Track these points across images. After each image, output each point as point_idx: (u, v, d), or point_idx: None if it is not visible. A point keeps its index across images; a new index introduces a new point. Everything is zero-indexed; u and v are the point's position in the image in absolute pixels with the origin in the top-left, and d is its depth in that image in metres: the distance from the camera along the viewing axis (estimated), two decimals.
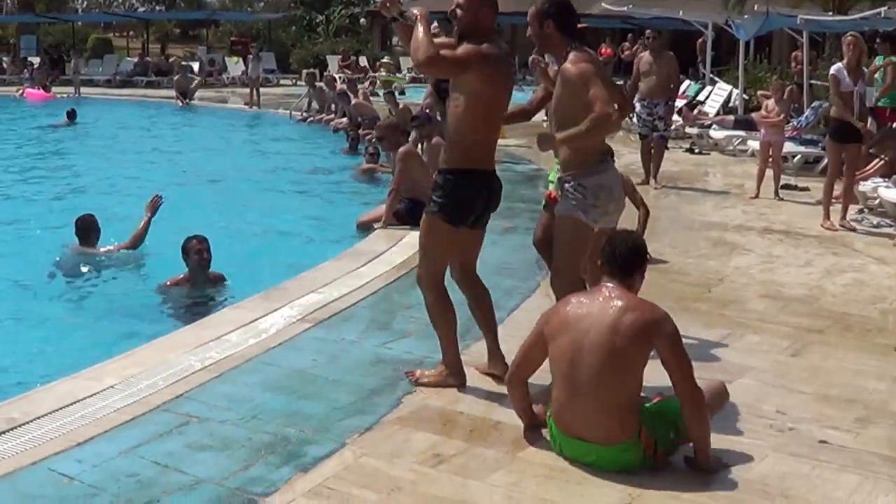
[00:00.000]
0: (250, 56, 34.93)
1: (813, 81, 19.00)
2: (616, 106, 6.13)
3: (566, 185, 6.29)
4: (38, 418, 5.78)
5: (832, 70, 11.93)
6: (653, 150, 14.84)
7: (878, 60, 14.59)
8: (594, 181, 6.23)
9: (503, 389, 6.20)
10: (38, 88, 34.35)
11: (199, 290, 9.21)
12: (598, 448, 5.20)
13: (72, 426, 5.71)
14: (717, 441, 5.65)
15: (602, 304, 5.29)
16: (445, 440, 5.62)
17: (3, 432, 5.60)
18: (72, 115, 25.42)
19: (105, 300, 9.29)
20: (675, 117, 21.18)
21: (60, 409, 5.93)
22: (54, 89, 35.07)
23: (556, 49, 6.31)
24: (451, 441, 5.61)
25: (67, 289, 9.69)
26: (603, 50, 33.11)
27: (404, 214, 11.00)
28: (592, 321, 5.22)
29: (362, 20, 51.03)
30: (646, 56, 14.98)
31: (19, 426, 5.68)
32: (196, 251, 9.16)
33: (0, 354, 7.75)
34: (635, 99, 14.55)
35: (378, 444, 5.59)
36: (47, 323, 8.58)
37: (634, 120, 15.67)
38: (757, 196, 13.61)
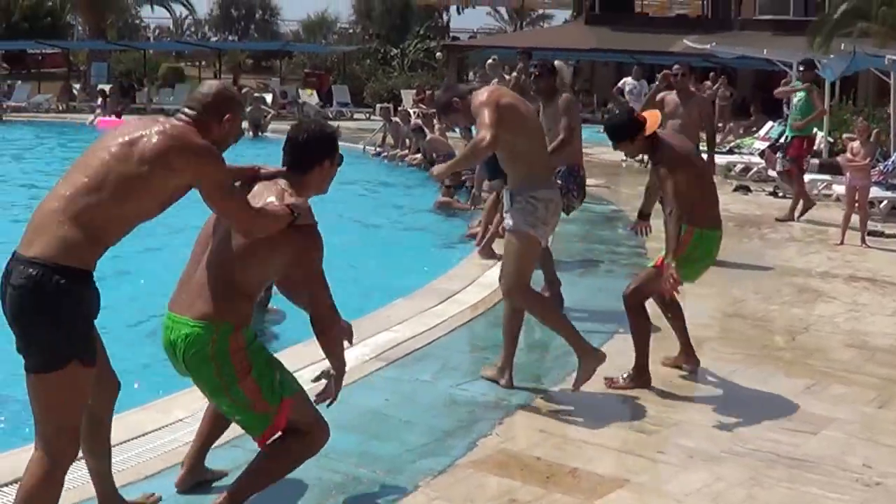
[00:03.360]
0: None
1: None
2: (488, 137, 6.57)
3: (518, 197, 6.80)
4: None
5: None
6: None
7: None
8: (545, 194, 6.82)
9: (582, 436, 6.12)
10: (111, 117, 34.66)
11: (258, 322, 9.15)
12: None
13: (140, 458, 5.66)
14: (803, 496, 5.51)
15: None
16: (521, 486, 5.48)
17: None
18: None
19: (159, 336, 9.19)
20: (755, 158, 20.94)
21: (128, 440, 5.86)
22: (126, 118, 35.35)
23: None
24: (527, 487, 5.47)
25: (135, 320, 9.63)
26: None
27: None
28: None
29: (438, 54, 51.31)
30: (671, 96, 12.08)
31: (83, 458, 5.55)
32: None
33: None
34: None
35: (451, 487, 5.48)
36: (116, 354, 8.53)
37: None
38: (842, 242, 13.24)
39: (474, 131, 6.95)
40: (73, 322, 4.17)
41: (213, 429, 5.34)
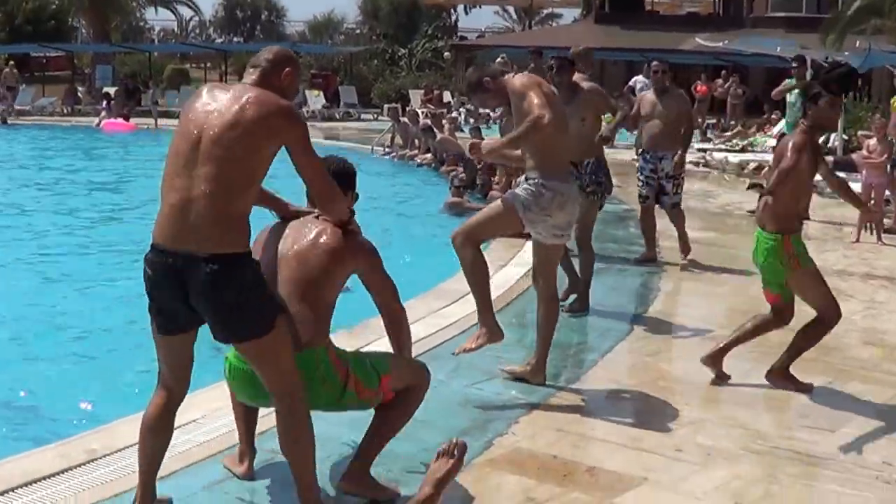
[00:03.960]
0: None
1: None
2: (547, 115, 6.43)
3: (529, 181, 6.74)
4: (120, 451, 5.67)
5: None
6: (673, 221, 11.72)
7: None
8: (557, 185, 6.70)
9: (599, 434, 6.09)
10: (117, 119, 34.54)
11: None
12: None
13: None
14: (822, 494, 5.46)
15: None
16: (538, 484, 5.44)
17: (84, 464, 5.50)
18: None
19: None
20: (768, 156, 20.83)
21: None
22: (133, 120, 35.06)
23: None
24: (544, 485, 5.43)
25: (139, 323, 9.60)
26: (698, 87, 32.69)
27: None
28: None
29: (446, 54, 51.25)
30: (648, 95, 11.67)
31: (100, 458, 5.58)
32: None
33: (80, 386, 7.69)
34: (637, 152, 12.56)
35: (468, 486, 5.44)
36: (129, 355, 8.52)
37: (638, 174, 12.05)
38: (858, 240, 13.14)
39: (486, 132, 6.89)
40: (264, 290, 4.66)
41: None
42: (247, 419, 5.50)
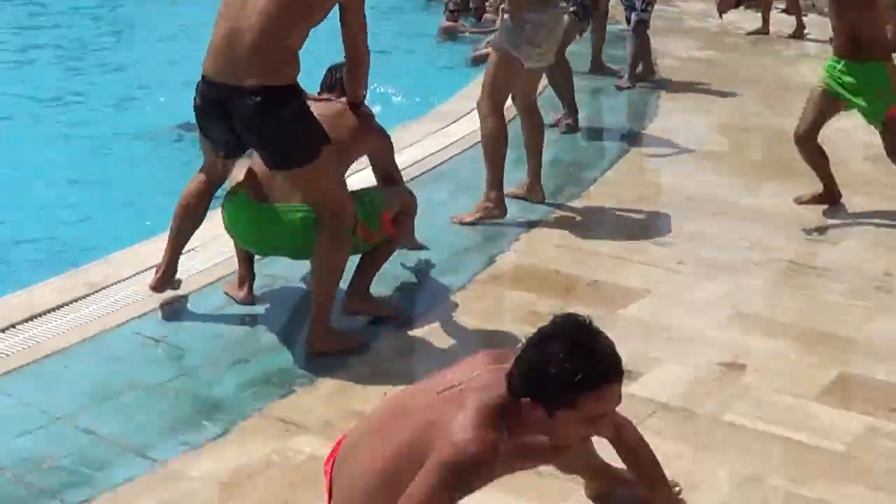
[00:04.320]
0: None
1: None
2: None
3: (508, 19, 6.57)
4: (120, 282, 5.65)
5: None
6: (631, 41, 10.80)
7: None
8: (532, 17, 6.47)
9: (600, 249, 6.09)
10: None
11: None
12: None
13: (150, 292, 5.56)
14: (824, 303, 5.47)
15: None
16: (540, 299, 5.44)
17: (86, 296, 5.48)
18: None
19: (180, 163, 9.09)
20: None
21: (142, 272, 5.73)
22: None
23: None
24: (547, 300, 5.42)
25: (144, 151, 9.52)
26: None
27: None
28: None
29: None
30: None
31: (101, 289, 5.55)
32: None
33: (77, 218, 7.66)
34: None
35: (472, 302, 5.48)
36: (123, 186, 8.46)
37: None
38: None
39: None
40: (309, 121, 4.75)
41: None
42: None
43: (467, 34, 14.79)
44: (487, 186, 6.70)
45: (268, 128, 4.64)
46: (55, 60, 13.36)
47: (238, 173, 5.25)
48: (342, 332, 5.06)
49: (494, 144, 6.71)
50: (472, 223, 6.56)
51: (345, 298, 5.21)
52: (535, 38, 6.54)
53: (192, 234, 5.26)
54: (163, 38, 14.36)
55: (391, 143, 5.51)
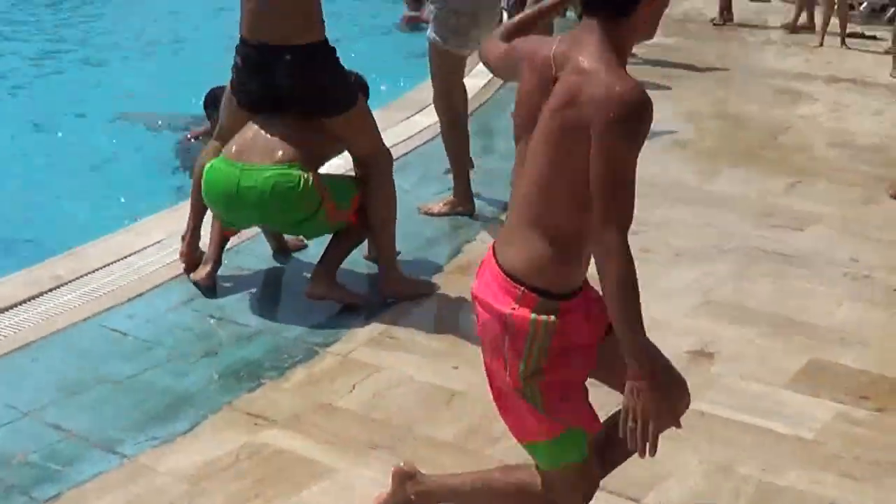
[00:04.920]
0: None
1: None
2: None
3: (434, 9, 6.51)
4: (87, 274, 5.63)
5: None
6: None
7: None
8: (457, 4, 6.34)
9: None
10: None
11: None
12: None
13: (121, 282, 5.56)
14: (791, 290, 5.49)
15: None
16: None
17: (52, 289, 5.46)
18: None
19: (137, 156, 9.01)
20: None
21: (108, 265, 5.76)
22: None
23: None
24: None
25: (102, 147, 9.43)
26: None
27: None
28: None
29: None
30: None
31: (67, 283, 5.53)
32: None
33: (41, 213, 7.62)
34: None
35: (440, 291, 5.49)
36: (85, 179, 8.41)
37: None
38: (821, 45, 12.87)
39: None
40: (341, 72, 5.38)
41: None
42: (221, 229, 5.54)
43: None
44: (454, 180, 6.67)
45: (309, 79, 5.17)
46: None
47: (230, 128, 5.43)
48: (412, 278, 5.49)
49: (451, 136, 6.68)
50: (437, 214, 6.55)
51: (309, 283, 5.24)
52: (461, 27, 6.38)
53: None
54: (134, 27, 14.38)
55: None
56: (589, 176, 2.64)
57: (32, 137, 9.70)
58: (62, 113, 10.36)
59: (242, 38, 5.31)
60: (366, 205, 5.28)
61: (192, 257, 5.59)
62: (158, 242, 6.06)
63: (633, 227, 2.63)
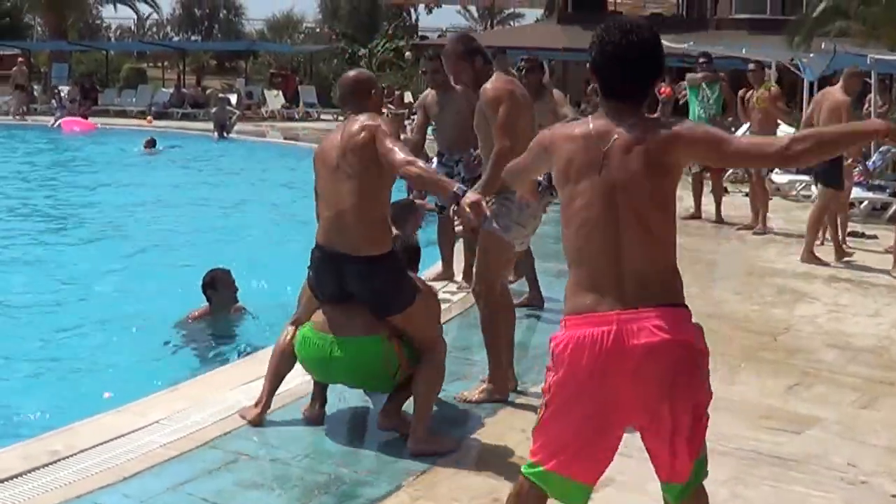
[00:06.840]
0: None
1: None
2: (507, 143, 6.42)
3: (497, 200, 6.56)
4: (82, 451, 5.63)
5: None
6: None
7: None
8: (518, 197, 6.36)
9: None
10: (77, 117, 33.72)
11: (223, 321, 9.06)
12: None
13: (117, 460, 5.56)
14: (785, 494, 5.46)
15: None
16: (505, 485, 5.37)
17: (47, 464, 5.45)
18: (152, 143, 25.66)
19: (133, 338, 9.05)
20: None
21: (105, 442, 5.77)
22: (92, 119, 34.22)
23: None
24: (511, 483, 5.36)
25: (102, 325, 9.49)
26: (661, 89, 32.41)
27: None
28: None
29: (407, 54, 50.79)
30: (430, 95, 10.11)
31: (63, 459, 5.53)
32: (226, 283, 9.10)
33: (41, 388, 7.66)
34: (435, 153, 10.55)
35: (434, 486, 5.44)
36: (89, 356, 8.45)
37: None
38: (822, 243, 12.97)
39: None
40: (403, 276, 6.07)
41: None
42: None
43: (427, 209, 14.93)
44: (490, 368, 6.79)
45: (371, 285, 5.89)
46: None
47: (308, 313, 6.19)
48: (438, 435, 5.98)
49: (491, 327, 6.80)
50: (475, 401, 6.70)
51: (380, 415, 6.15)
52: (521, 218, 6.65)
53: (287, 373, 6.31)
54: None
55: None
56: None
57: (28, 313, 9.81)
58: (61, 292, 10.51)
59: (318, 244, 6.04)
60: (415, 374, 5.96)
61: (262, 421, 6.18)
62: (157, 422, 6.08)
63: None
